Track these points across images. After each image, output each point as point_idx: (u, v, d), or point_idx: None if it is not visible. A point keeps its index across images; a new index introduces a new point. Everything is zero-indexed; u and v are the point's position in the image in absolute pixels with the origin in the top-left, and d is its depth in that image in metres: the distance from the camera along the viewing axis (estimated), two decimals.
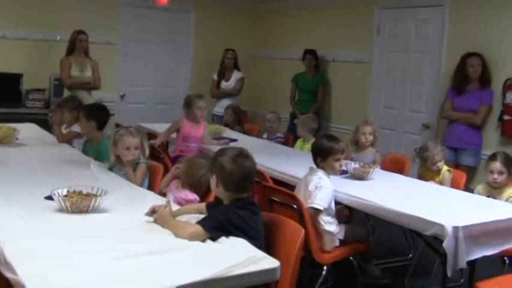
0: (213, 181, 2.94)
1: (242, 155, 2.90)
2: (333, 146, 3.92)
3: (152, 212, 2.90)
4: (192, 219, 2.88)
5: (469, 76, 5.74)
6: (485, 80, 5.69)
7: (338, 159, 3.91)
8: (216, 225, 2.69)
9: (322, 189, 3.78)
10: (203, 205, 3.14)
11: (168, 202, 3.00)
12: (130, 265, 2.27)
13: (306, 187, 3.87)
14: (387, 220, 3.69)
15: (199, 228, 2.65)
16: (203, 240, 2.60)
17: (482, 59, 5.68)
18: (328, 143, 3.96)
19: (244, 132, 6.89)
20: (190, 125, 5.60)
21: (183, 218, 2.92)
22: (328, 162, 3.90)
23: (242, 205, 2.83)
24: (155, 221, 2.86)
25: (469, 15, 5.97)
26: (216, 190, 2.94)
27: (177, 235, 2.66)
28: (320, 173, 3.89)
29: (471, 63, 5.71)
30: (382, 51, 7.14)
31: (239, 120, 7.17)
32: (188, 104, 5.66)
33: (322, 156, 3.92)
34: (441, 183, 4.62)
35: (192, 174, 3.68)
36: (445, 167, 4.74)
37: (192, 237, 2.61)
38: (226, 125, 7.04)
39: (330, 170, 3.92)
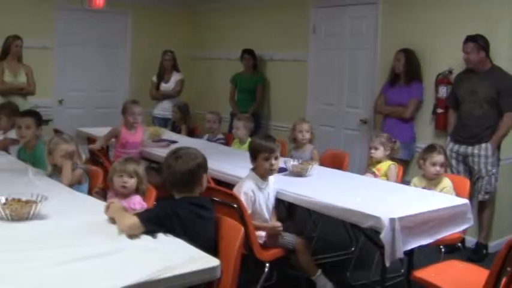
0: None
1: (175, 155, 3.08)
2: (260, 144, 3.91)
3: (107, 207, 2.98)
4: None
5: (395, 71, 5.92)
6: (412, 74, 5.84)
7: (267, 158, 3.85)
8: (152, 218, 2.74)
9: (242, 195, 3.79)
10: None
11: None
12: (70, 270, 2.27)
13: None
14: (327, 215, 3.76)
15: (136, 220, 2.71)
16: (142, 240, 2.63)
17: (407, 54, 5.83)
18: (258, 141, 3.98)
19: (190, 132, 6.89)
20: (128, 132, 5.54)
21: None
22: (258, 161, 3.90)
23: (184, 204, 2.89)
24: (107, 213, 2.94)
25: (401, 12, 6.12)
26: None
27: (119, 226, 2.74)
28: (247, 176, 3.93)
29: (395, 58, 5.89)
30: (318, 50, 7.23)
31: (185, 119, 7.16)
32: (123, 110, 5.62)
33: (253, 156, 3.94)
34: (386, 175, 4.75)
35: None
36: (389, 161, 4.85)
37: (129, 229, 2.68)
38: (174, 123, 7.13)
39: (261, 170, 3.90)
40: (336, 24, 7.00)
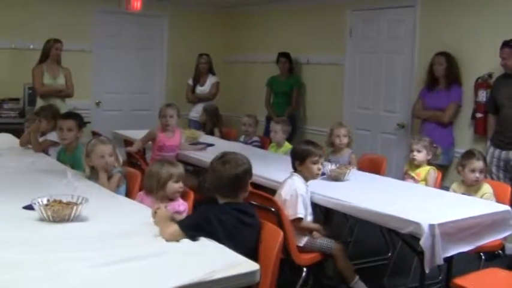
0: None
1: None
2: (310, 149, 3.96)
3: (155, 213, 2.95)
4: None
5: (435, 75, 5.84)
6: (452, 78, 5.76)
7: (315, 162, 3.92)
8: (192, 225, 2.74)
9: (300, 197, 3.81)
10: None
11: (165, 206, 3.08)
12: (110, 273, 2.27)
13: (283, 192, 3.91)
14: (365, 220, 3.73)
15: (176, 228, 2.71)
16: (182, 243, 2.63)
17: (448, 57, 5.76)
18: (306, 146, 4.02)
19: (223, 136, 6.90)
20: (165, 135, 5.55)
21: None
22: (306, 165, 3.93)
23: (228, 209, 2.90)
24: (154, 220, 2.90)
25: (440, 16, 6.05)
26: None
27: (161, 234, 2.72)
28: (295, 178, 3.92)
29: (435, 61, 5.82)
30: (355, 53, 7.20)
31: (215, 122, 7.14)
32: (158, 113, 5.67)
33: (300, 160, 3.96)
34: (425, 180, 4.69)
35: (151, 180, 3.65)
36: (428, 166, 4.80)
37: (170, 237, 2.67)
38: (204, 125, 7.10)
39: (308, 173, 3.94)
40: (373, 27, 6.96)
